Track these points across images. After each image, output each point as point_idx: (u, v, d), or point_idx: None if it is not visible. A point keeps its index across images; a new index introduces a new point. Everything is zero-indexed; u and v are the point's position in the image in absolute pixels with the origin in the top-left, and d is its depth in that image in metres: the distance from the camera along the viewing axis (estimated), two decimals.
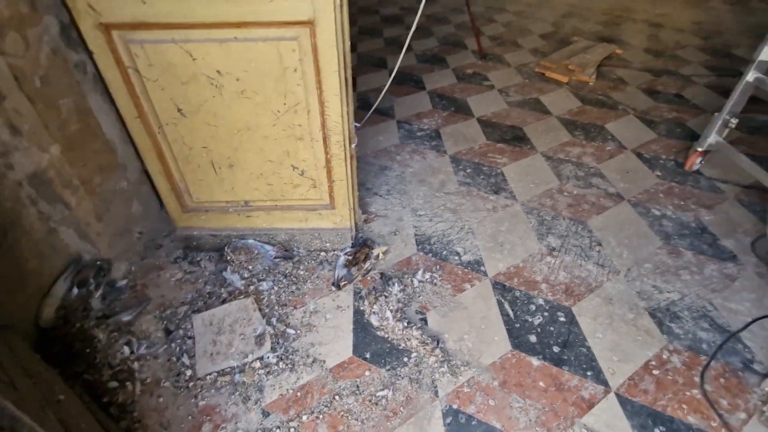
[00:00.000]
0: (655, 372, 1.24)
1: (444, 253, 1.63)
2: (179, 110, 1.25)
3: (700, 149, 1.94)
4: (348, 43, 1.19)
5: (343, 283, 1.48)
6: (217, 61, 1.15)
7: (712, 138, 1.88)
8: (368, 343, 1.31)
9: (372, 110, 2.22)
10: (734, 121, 1.78)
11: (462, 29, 3.94)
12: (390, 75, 1.90)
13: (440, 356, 1.27)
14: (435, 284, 1.50)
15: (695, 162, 2.00)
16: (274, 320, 1.36)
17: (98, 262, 1.42)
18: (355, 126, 1.41)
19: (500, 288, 1.49)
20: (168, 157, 1.36)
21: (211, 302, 1.42)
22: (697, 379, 1.22)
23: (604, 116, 2.53)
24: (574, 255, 1.61)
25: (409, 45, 3.92)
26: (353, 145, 1.40)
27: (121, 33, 1.10)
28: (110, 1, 1.05)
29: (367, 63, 3.31)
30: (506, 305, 1.43)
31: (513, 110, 2.61)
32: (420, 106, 2.68)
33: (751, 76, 1.68)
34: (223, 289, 1.46)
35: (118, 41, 1.11)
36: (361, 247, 1.59)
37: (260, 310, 1.39)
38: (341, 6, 1.10)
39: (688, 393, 1.19)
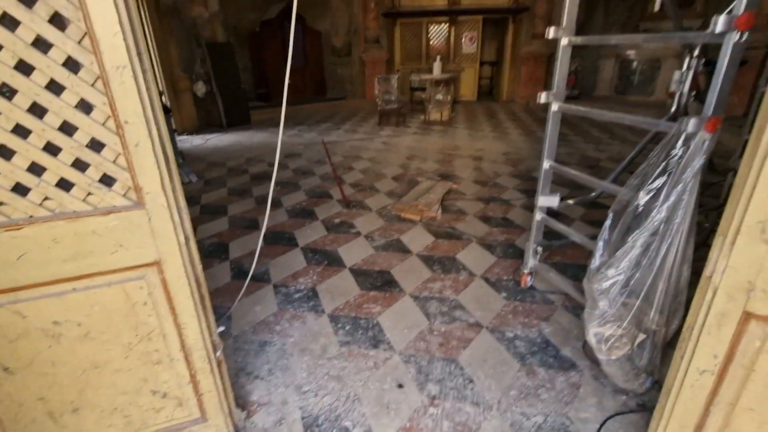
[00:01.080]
0: None
1: None
2: (5, 369, 1.13)
3: (526, 271, 2.39)
4: (199, 267, 1.27)
5: None
6: (53, 314, 1.11)
7: (531, 262, 2.35)
8: None
9: (247, 281, 2.26)
10: (540, 249, 2.28)
11: (326, 179, 4.42)
12: (262, 236, 2.02)
13: None
14: None
15: (527, 280, 2.43)
16: None
17: None
18: (221, 330, 1.43)
19: None
20: None
21: None
22: None
23: (453, 247, 2.98)
24: (453, 398, 1.74)
25: (279, 201, 4.20)
26: (218, 353, 1.39)
27: None
28: None
29: (239, 225, 3.42)
30: None
31: (379, 255, 2.90)
32: (295, 264, 2.82)
33: (538, 216, 2.22)
34: None
35: None
36: None
37: None
38: (187, 242, 1.20)
39: None
